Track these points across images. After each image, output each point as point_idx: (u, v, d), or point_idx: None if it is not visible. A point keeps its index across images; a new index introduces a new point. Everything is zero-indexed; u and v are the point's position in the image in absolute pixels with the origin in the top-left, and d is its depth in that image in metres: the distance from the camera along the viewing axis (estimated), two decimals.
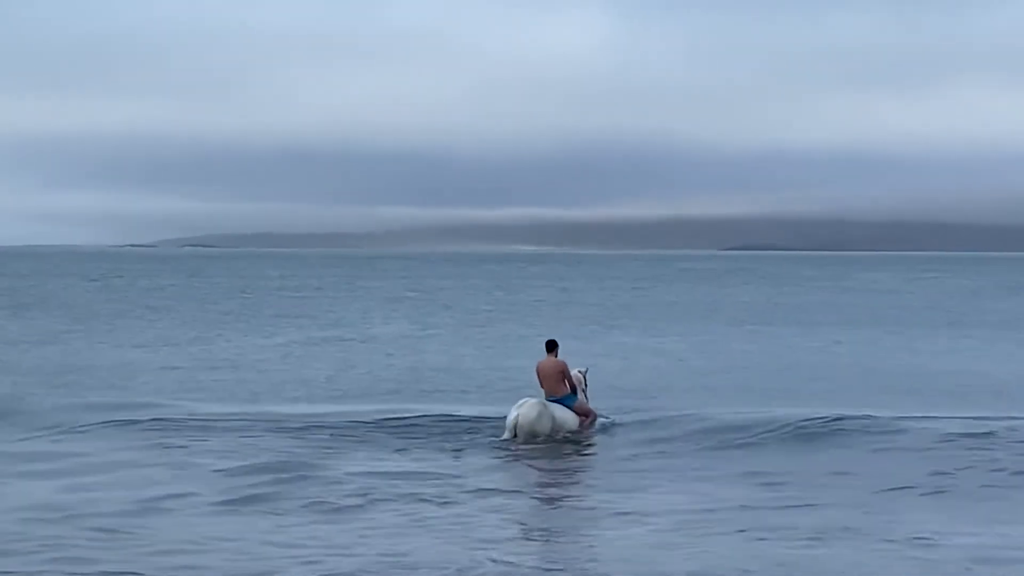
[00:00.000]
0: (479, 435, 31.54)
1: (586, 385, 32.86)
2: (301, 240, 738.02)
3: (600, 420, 32.72)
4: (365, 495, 24.39)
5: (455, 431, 32.14)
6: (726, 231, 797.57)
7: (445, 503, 23.91)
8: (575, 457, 29.98)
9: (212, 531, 21.49)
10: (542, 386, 32.09)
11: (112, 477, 26.37)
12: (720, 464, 28.40)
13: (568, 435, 31.40)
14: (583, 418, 32.07)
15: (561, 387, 31.92)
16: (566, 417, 31.64)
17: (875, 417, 33.01)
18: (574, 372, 32.53)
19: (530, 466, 28.51)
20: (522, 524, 22.87)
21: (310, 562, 19.49)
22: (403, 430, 32.43)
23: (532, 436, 30.82)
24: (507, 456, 29.52)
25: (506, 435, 30.92)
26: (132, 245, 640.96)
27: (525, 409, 31.09)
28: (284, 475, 26.32)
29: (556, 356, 32.22)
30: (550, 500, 25.41)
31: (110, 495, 24.34)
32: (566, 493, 26.17)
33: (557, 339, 33.05)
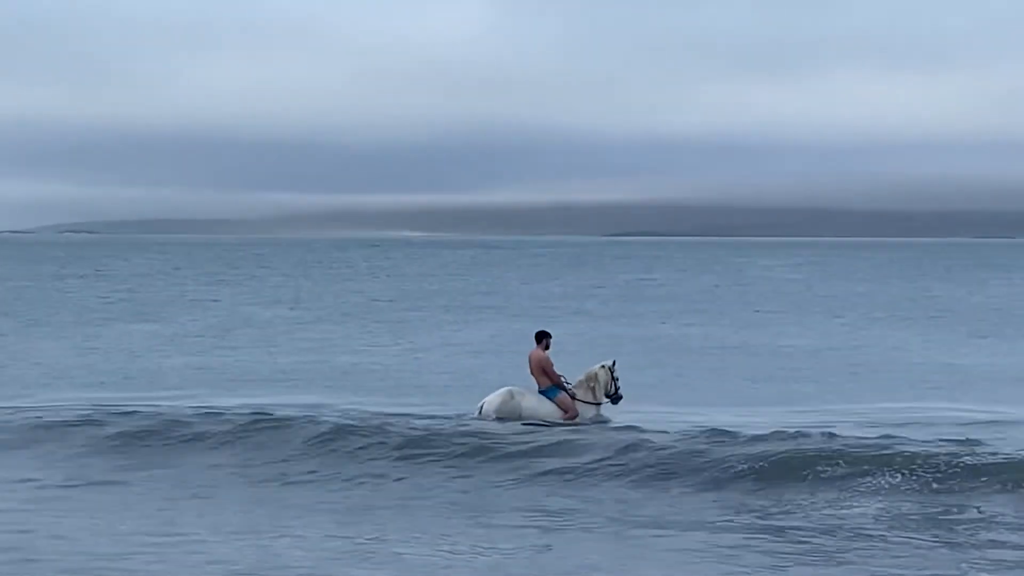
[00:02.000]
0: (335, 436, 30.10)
1: (614, 378, 31.99)
2: (182, 226, 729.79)
3: (597, 422, 31.61)
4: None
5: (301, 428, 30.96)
6: (608, 217, 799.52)
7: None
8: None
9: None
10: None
11: None
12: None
13: (540, 423, 30.96)
14: (564, 413, 31.63)
15: (542, 379, 31.91)
16: (544, 410, 31.55)
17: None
18: (595, 367, 31.98)
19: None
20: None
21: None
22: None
23: (500, 422, 31.01)
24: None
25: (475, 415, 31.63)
26: (9, 231, 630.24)
27: (491, 397, 31.78)
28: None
29: (545, 347, 32.08)
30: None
31: None
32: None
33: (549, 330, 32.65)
